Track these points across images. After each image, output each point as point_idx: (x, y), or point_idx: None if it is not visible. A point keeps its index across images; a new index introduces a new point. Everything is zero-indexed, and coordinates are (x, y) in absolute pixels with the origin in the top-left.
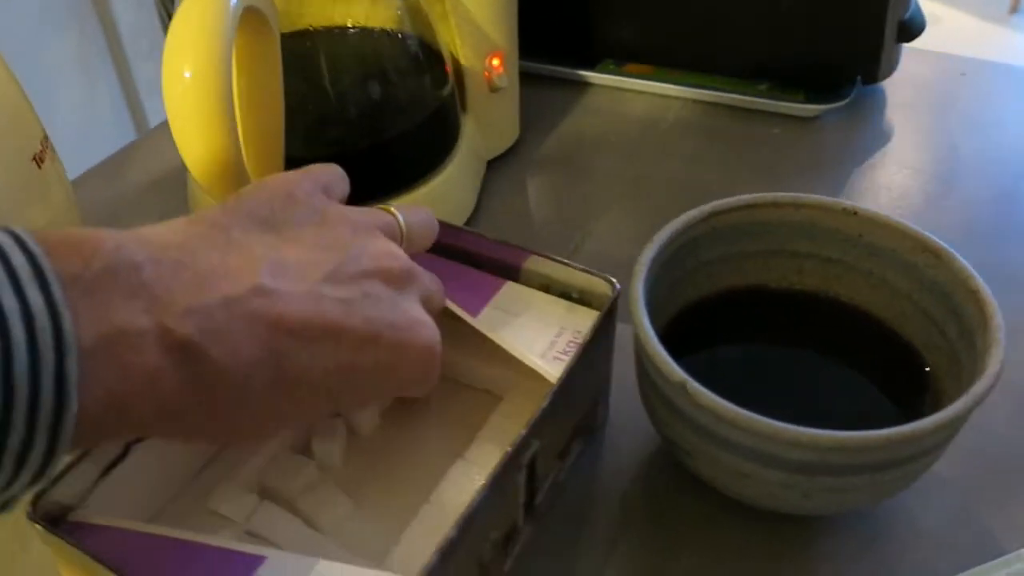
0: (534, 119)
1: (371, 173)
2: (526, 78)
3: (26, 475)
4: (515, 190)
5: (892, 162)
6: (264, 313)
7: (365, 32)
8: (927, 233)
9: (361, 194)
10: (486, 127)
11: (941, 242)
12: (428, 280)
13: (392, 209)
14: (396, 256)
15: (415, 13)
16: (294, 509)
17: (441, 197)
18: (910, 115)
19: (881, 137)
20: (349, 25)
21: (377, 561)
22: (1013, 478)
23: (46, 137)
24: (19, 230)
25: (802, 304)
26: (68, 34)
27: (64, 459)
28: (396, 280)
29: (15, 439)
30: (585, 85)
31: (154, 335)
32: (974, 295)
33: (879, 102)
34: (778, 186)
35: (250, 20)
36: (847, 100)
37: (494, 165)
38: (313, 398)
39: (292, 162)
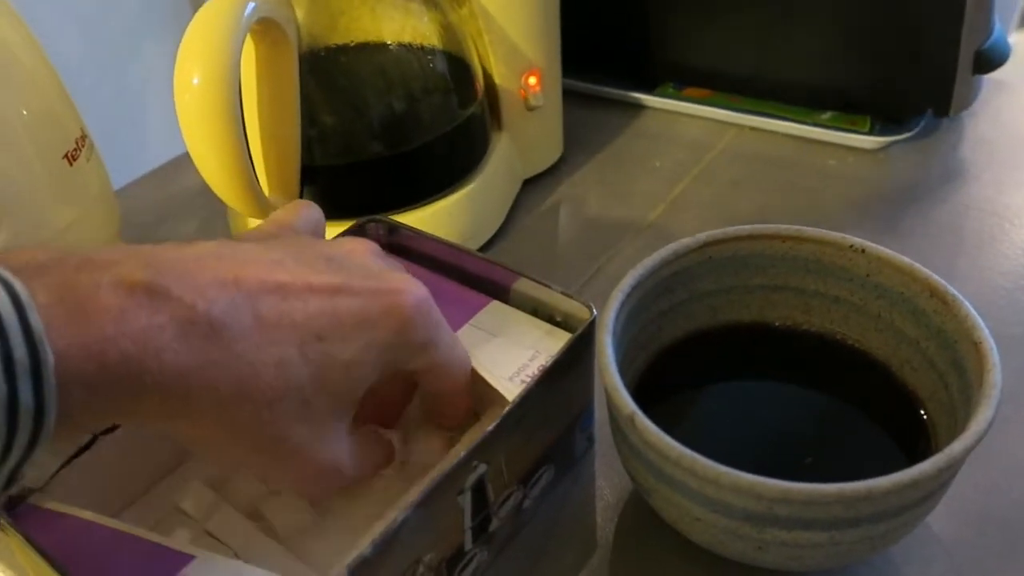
0: (580, 139)
1: (391, 185)
2: (579, 98)
3: (21, 437)
4: (549, 209)
5: (960, 202)
6: (224, 266)
7: (394, 48)
8: (935, 276)
9: (380, 205)
10: (523, 146)
11: (950, 287)
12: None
13: None
14: (364, 241)
15: (447, 29)
16: (256, 513)
17: (462, 212)
18: (988, 152)
19: (950, 175)
20: (379, 40)
21: (323, 574)
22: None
23: (84, 136)
24: None
25: (806, 344)
26: (165, 41)
27: (50, 425)
28: (369, 252)
29: None
30: (639, 108)
31: (112, 282)
32: (976, 347)
33: (953, 137)
34: (824, 220)
35: (267, 30)
36: (912, 133)
37: (532, 183)
38: (302, 345)
39: (312, 170)
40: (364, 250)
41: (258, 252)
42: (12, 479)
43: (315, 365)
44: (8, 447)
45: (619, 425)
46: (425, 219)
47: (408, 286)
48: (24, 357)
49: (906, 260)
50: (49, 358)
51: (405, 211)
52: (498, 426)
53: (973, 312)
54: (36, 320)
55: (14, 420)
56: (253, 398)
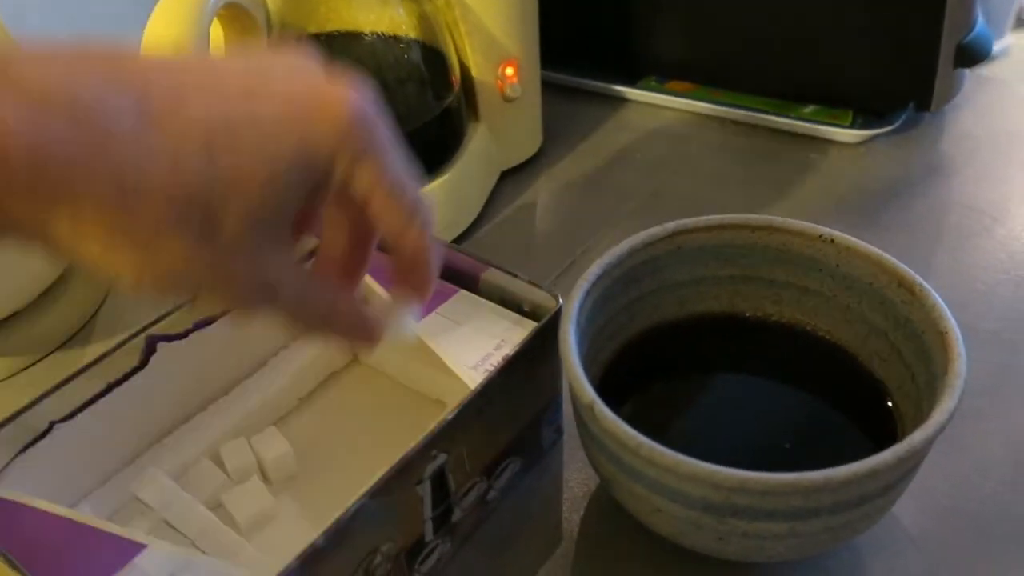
0: (561, 131)
1: None
2: (560, 91)
3: None
4: (526, 201)
5: (941, 197)
6: (115, 52)
7: (368, 36)
8: (903, 267)
9: None
10: (501, 137)
11: (917, 277)
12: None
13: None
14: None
15: (423, 19)
16: (216, 502)
17: (438, 203)
18: (969, 147)
19: (932, 170)
20: (354, 29)
21: (282, 563)
22: (995, 545)
23: None
24: None
25: (776, 335)
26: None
27: None
28: (308, 58)
29: None
30: (622, 100)
31: None
32: (942, 336)
33: (935, 131)
34: (804, 213)
35: (235, 16)
36: (893, 127)
37: (510, 175)
38: (206, 145)
39: None
40: (302, 59)
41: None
42: None
43: (223, 167)
44: None
45: (580, 414)
46: None
47: (340, 88)
48: None
49: (874, 250)
50: None
51: None
52: (458, 414)
53: (940, 302)
54: None
55: None
56: (139, 190)
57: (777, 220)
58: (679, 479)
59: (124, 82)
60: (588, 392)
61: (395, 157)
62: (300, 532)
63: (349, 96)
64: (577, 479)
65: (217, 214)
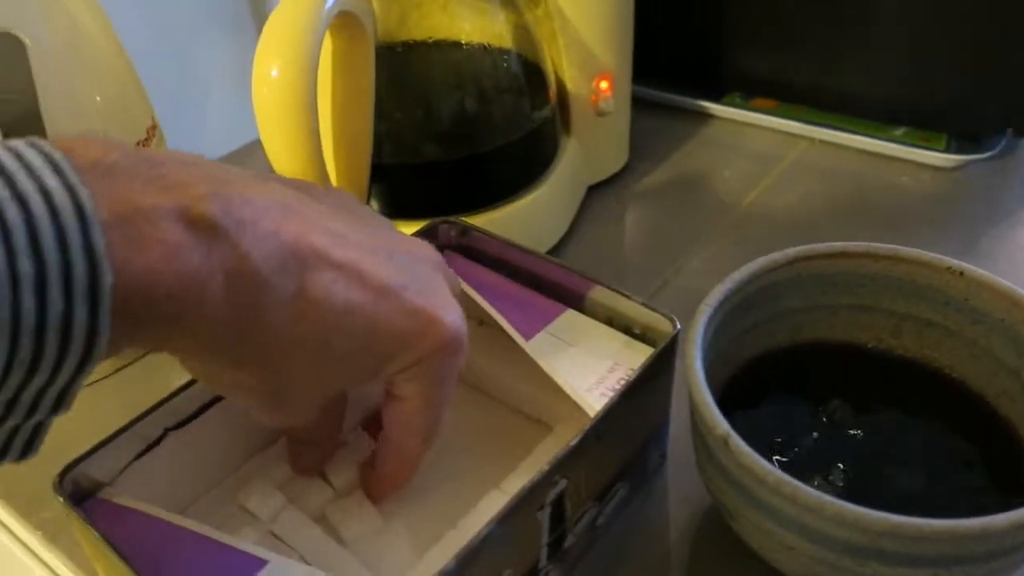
0: (646, 147)
1: (459, 187)
2: (643, 105)
3: (72, 357)
4: (614, 217)
5: None
6: (289, 224)
7: (468, 47)
8: None
9: (447, 206)
10: (591, 151)
11: None
12: (453, 278)
13: None
14: (431, 247)
15: (522, 31)
16: (322, 516)
17: (530, 217)
18: None
19: None
20: (453, 39)
21: None
22: None
23: (155, 126)
24: (35, 139)
25: (895, 368)
26: (227, 32)
27: (103, 345)
28: (431, 263)
29: (54, 312)
30: (707, 116)
31: (174, 212)
32: None
33: None
34: (900, 238)
35: (346, 24)
36: (991, 153)
37: (597, 190)
38: (332, 333)
39: (380, 168)
40: (428, 258)
41: (326, 217)
42: (60, 402)
43: (331, 358)
44: (58, 365)
45: (707, 445)
46: (491, 223)
47: (452, 317)
48: (83, 275)
49: (1008, 284)
50: (108, 279)
51: (471, 214)
52: (582, 440)
53: None
54: (99, 238)
55: (67, 339)
56: (261, 364)
57: (903, 250)
58: (821, 520)
59: (296, 258)
60: (721, 423)
61: (451, 383)
62: (404, 550)
63: (455, 324)
64: (682, 505)
65: (301, 376)
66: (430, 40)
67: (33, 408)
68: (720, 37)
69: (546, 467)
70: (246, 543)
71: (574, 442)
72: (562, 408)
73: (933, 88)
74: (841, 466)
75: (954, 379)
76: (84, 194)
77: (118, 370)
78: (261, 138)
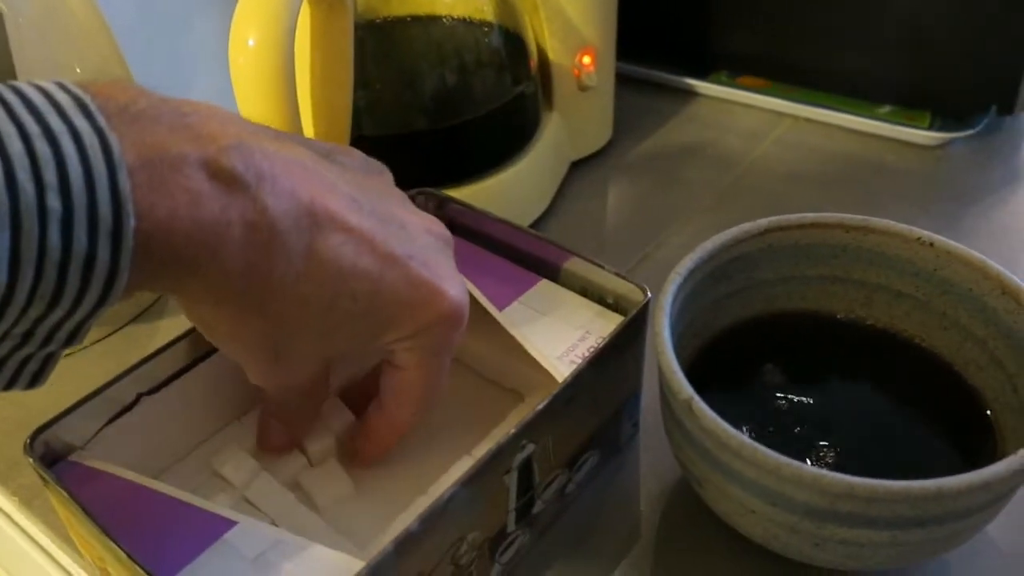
0: (630, 123)
1: (440, 159)
2: (628, 82)
3: (92, 294)
4: (596, 193)
5: (1022, 204)
6: (307, 184)
7: (447, 19)
8: (1009, 274)
9: (428, 179)
10: (574, 127)
11: None
12: None
13: None
14: (442, 225)
15: (502, 2)
16: (295, 484)
17: (510, 190)
18: None
19: (1014, 175)
20: (433, 11)
21: (361, 546)
22: None
23: None
24: (65, 81)
25: (865, 338)
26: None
27: (122, 285)
28: (441, 239)
29: (78, 250)
30: (692, 94)
31: (198, 161)
32: None
33: (1016, 136)
34: (881, 215)
35: None
36: (974, 131)
37: (580, 166)
38: (337, 294)
39: (362, 140)
40: (439, 234)
41: (343, 181)
42: (74, 336)
43: (334, 319)
44: (78, 301)
45: (673, 410)
46: (472, 196)
47: (455, 291)
48: (108, 216)
49: (977, 255)
50: (131, 222)
51: (452, 187)
52: (548, 405)
53: None
54: (124, 182)
55: (88, 277)
56: (266, 316)
57: (873, 221)
58: (781, 482)
59: (311, 216)
60: (686, 388)
61: (449, 354)
62: (375, 515)
63: (458, 298)
64: (654, 475)
65: (306, 338)
66: (410, 14)
67: (48, 339)
68: (707, 15)
69: (513, 430)
70: (215, 505)
71: (541, 406)
72: (535, 377)
73: (918, 65)
74: (807, 433)
75: (924, 349)
76: (112, 138)
77: (98, 340)
78: (239, 108)
